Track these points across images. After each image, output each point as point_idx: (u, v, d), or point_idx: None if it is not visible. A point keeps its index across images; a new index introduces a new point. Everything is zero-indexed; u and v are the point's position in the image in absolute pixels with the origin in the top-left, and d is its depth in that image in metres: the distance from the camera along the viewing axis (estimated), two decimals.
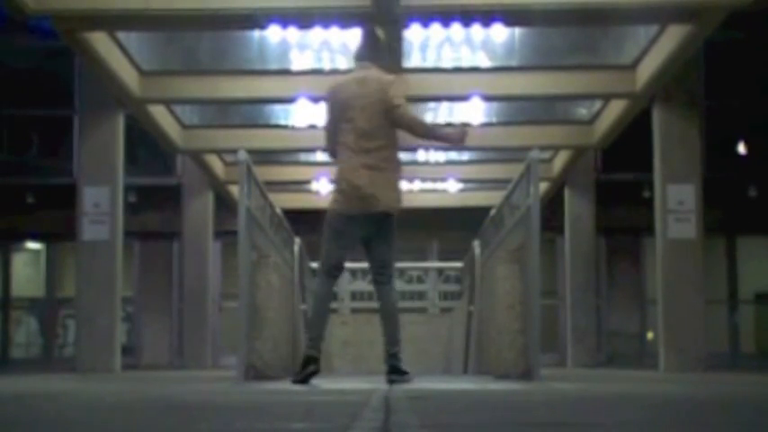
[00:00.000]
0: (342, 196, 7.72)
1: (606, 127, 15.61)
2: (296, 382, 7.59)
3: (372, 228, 7.73)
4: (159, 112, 15.15)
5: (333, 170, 7.97)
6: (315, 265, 18.92)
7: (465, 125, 8.21)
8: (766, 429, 3.61)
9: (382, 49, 8.02)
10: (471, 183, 20.34)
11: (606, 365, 19.38)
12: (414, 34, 12.73)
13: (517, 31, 13.21)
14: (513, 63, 13.75)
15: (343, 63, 13.77)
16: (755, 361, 19.69)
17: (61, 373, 14.07)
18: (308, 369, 7.62)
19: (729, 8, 11.04)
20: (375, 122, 7.67)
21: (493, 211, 11.27)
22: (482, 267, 12.40)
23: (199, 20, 11.39)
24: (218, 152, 18.16)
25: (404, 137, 7.91)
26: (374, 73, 7.82)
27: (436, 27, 11.89)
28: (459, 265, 16.06)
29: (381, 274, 7.84)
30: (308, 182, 20.11)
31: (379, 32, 8.09)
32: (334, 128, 7.81)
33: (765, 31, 18.90)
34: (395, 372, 7.68)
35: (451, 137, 8.15)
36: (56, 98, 20.64)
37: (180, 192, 20.50)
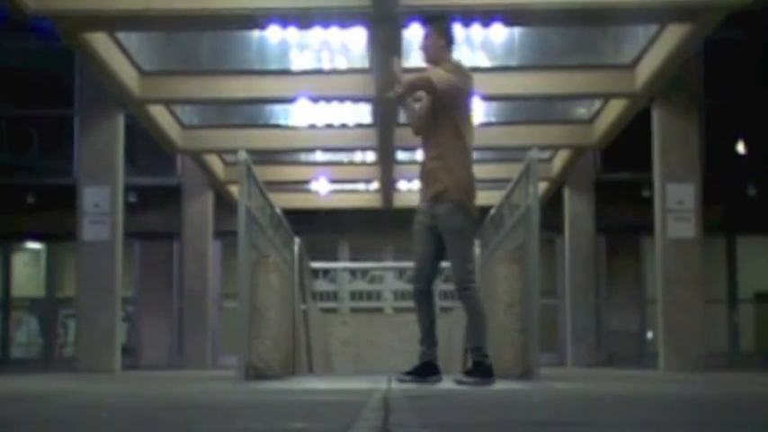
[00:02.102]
0: (470, 195, 7.95)
1: (606, 127, 15.61)
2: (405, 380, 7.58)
3: None
4: (159, 113, 15.15)
5: (458, 168, 8.02)
6: (314, 264, 19.07)
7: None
8: (766, 429, 3.62)
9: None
10: None
11: (606, 365, 19.37)
12: (414, 34, 12.72)
13: (517, 30, 13.21)
14: (513, 63, 13.74)
15: (343, 63, 13.77)
16: (755, 360, 19.69)
17: (61, 373, 14.07)
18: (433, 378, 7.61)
19: (729, 8, 11.03)
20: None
21: (493, 211, 11.27)
22: (482, 267, 12.40)
23: (199, 20, 11.38)
24: (218, 152, 18.16)
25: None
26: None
27: None
28: None
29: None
30: (307, 182, 20.11)
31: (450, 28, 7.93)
32: None
33: (765, 30, 18.90)
34: (477, 368, 7.51)
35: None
36: (56, 98, 20.63)
37: (180, 192, 20.49)
